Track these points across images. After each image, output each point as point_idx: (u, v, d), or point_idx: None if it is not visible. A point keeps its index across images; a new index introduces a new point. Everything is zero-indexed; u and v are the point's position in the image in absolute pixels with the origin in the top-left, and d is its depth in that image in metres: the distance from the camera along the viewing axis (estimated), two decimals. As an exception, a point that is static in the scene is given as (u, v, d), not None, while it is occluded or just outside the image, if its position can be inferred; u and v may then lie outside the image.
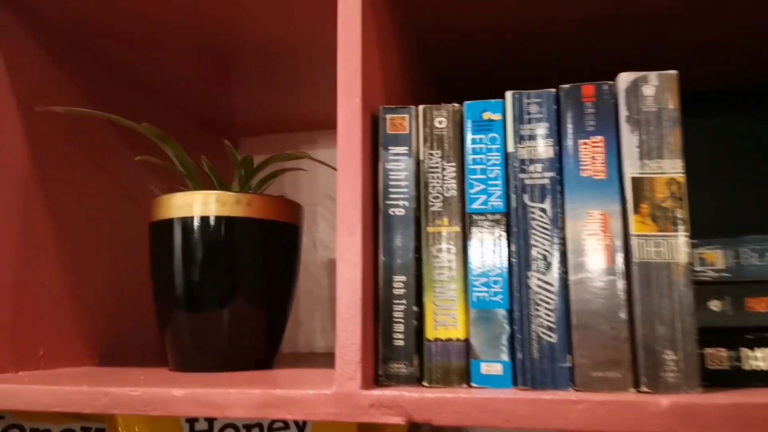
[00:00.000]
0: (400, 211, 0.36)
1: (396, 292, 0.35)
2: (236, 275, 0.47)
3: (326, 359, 0.60)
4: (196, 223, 0.47)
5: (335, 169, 0.77)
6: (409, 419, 0.31)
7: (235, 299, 0.47)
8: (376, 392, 0.32)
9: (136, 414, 0.36)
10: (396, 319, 0.35)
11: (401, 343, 0.35)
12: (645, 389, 0.31)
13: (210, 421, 0.53)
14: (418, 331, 0.35)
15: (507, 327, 0.33)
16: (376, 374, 0.35)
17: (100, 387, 0.37)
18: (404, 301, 0.35)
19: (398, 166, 0.37)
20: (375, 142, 0.38)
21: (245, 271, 0.48)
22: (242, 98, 0.71)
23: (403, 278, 0.35)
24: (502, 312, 0.34)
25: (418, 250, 0.36)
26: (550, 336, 0.32)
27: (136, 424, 0.52)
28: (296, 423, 0.54)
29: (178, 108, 0.73)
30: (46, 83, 0.52)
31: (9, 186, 0.48)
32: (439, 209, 0.36)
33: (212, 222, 0.47)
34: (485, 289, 0.34)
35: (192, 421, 0.52)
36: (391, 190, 0.36)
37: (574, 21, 0.51)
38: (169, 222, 0.48)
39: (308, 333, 0.80)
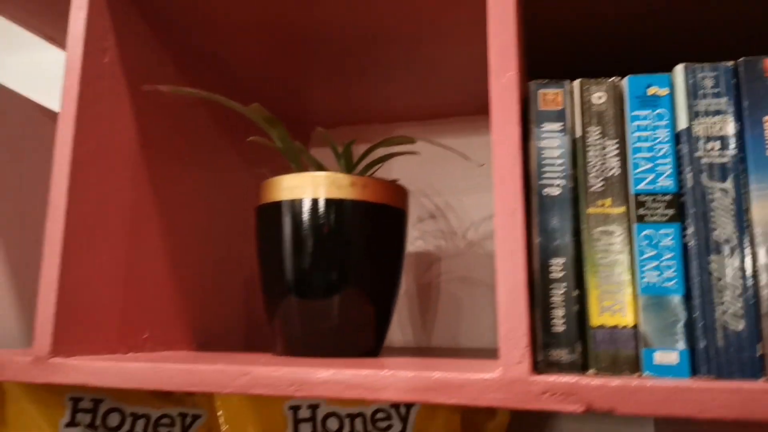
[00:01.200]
0: (555, 191, 0.34)
1: (553, 275, 0.33)
2: (346, 260, 0.46)
3: (411, 353, 0.59)
4: (306, 206, 0.46)
5: (460, 155, 0.75)
6: (589, 408, 0.29)
7: (346, 284, 0.46)
8: (550, 378, 0.30)
9: (280, 395, 0.35)
10: (554, 305, 0.33)
11: (561, 329, 0.33)
12: None
13: (313, 408, 0.51)
14: (579, 317, 0.33)
15: (683, 314, 0.31)
16: (535, 361, 0.33)
17: (240, 366, 0.36)
18: (564, 285, 0.33)
19: (552, 144, 0.35)
20: (525, 120, 0.36)
21: (356, 257, 0.46)
22: (317, 89, 0.69)
23: (562, 261, 0.33)
24: (677, 298, 0.32)
25: (576, 232, 0.34)
26: (736, 324, 0.30)
27: (238, 412, 0.50)
28: (399, 415, 0.52)
29: (253, 96, 0.71)
30: (152, 67, 0.52)
31: (119, 167, 0.47)
32: (600, 189, 0.34)
33: (323, 205, 0.46)
34: (656, 273, 0.32)
35: (295, 408, 0.51)
36: (545, 169, 0.35)
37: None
38: (278, 205, 0.47)
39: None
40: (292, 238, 0.46)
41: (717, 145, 0.32)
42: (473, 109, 0.75)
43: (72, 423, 0.48)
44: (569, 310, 0.33)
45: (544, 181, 0.35)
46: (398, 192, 0.49)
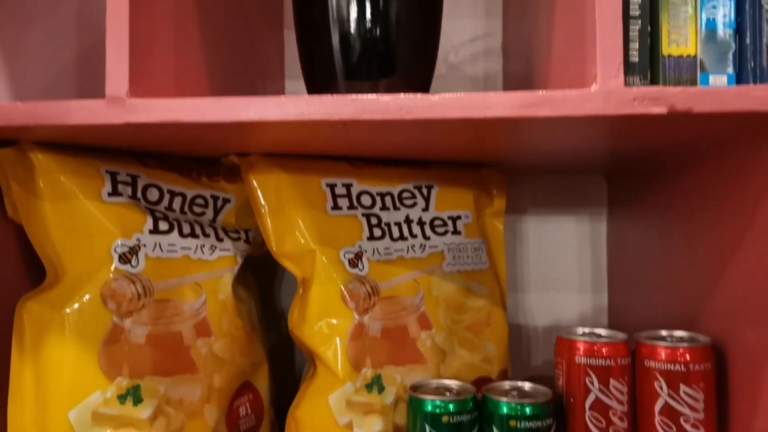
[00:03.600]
0: (632, -59, 0.38)
1: (632, 13, 0.38)
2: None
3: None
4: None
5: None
6: (672, 109, 0.35)
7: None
8: (640, 89, 0.35)
9: (390, 119, 0.37)
10: (632, 39, 0.38)
11: (636, 59, 0.38)
12: None
13: (347, 186, 0.54)
14: (652, 49, 0.38)
15: (733, 45, 0.38)
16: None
17: (340, 96, 0.37)
18: (639, 21, 0.38)
19: None
20: None
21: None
22: None
23: (639, 0, 0.38)
24: (729, 32, 0.38)
25: (649, -23, 0.38)
26: (780, 47, 0.37)
27: (277, 190, 0.52)
28: (422, 194, 0.57)
29: None
30: None
31: None
32: (672, -61, 0.38)
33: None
34: (713, 11, 0.38)
35: (332, 186, 0.54)
36: None
37: None
38: None
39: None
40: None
41: None
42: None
43: (115, 192, 0.48)
44: (643, 43, 0.38)
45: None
46: None
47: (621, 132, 0.42)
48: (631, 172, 0.66)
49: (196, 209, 0.53)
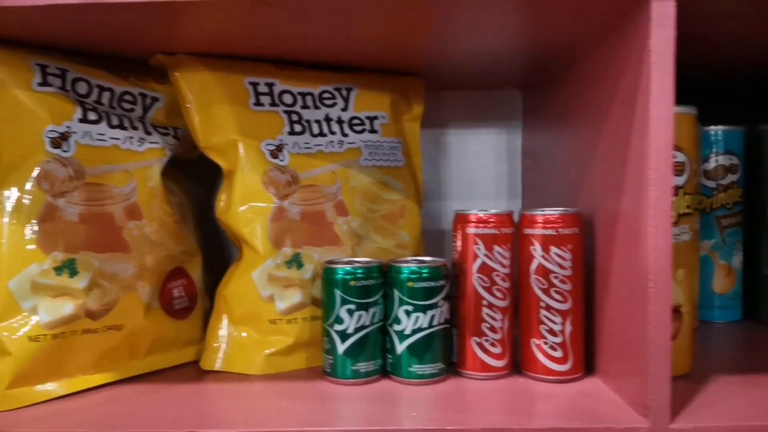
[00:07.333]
0: None
1: None
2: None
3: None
4: None
5: None
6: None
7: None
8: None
9: None
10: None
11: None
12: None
13: (270, 85, 0.59)
14: None
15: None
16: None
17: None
18: None
19: None
20: None
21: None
22: None
23: None
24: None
25: None
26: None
27: (202, 87, 0.56)
28: (341, 95, 0.62)
29: None
30: None
31: None
32: None
33: None
34: None
35: (255, 83, 0.58)
36: None
37: None
38: None
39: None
40: None
41: None
42: None
43: (44, 83, 0.51)
44: None
45: None
46: None
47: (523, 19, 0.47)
48: (539, 85, 0.72)
49: (125, 105, 0.56)
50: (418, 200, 0.66)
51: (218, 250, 0.76)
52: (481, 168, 0.84)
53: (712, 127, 0.71)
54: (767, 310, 0.71)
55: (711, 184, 0.72)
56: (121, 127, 0.54)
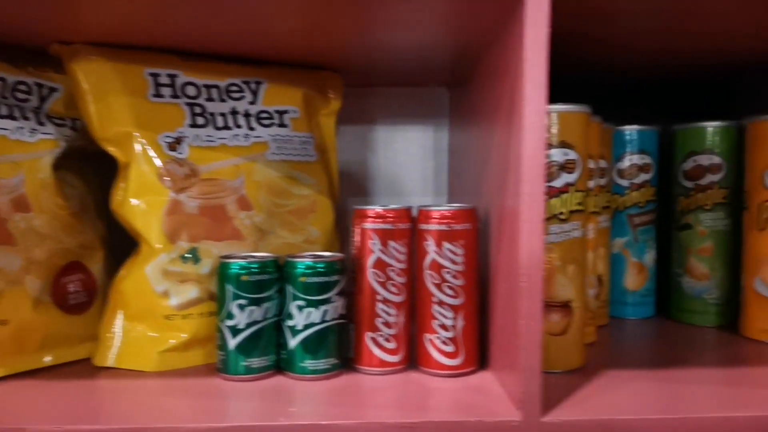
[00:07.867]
0: None
1: None
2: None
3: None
4: None
5: None
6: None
7: None
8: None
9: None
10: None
11: None
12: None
13: (172, 76, 0.58)
14: None
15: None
16: None
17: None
18: None
19: None
20: None
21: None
22: None
23: None
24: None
25: None
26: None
27: (100, 78, 0.54)
28: (250, 89, 0.61)
29: None
30: None
31: None
32: None
33: None
34: None
35: (155, 74, 0.57)
36: None
37: None
38: None
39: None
40: None
41: None
42: None
43: None
44: None
45: None
46: None
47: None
48: (461, 83, 0.72)
49: (19, 95, 0.55)
50: (332, 196, 0.66)
51: (133, 246, 0.75)
52: (408, 165, 0.84)
53: (627, 127, 0.72)
54: (677, 307, 0.73)
55: (624, 182, 0.73)
56: (11, 117, 0.53)
